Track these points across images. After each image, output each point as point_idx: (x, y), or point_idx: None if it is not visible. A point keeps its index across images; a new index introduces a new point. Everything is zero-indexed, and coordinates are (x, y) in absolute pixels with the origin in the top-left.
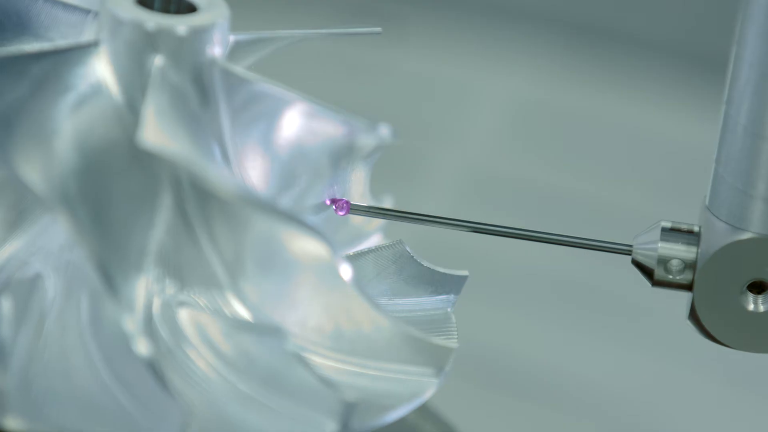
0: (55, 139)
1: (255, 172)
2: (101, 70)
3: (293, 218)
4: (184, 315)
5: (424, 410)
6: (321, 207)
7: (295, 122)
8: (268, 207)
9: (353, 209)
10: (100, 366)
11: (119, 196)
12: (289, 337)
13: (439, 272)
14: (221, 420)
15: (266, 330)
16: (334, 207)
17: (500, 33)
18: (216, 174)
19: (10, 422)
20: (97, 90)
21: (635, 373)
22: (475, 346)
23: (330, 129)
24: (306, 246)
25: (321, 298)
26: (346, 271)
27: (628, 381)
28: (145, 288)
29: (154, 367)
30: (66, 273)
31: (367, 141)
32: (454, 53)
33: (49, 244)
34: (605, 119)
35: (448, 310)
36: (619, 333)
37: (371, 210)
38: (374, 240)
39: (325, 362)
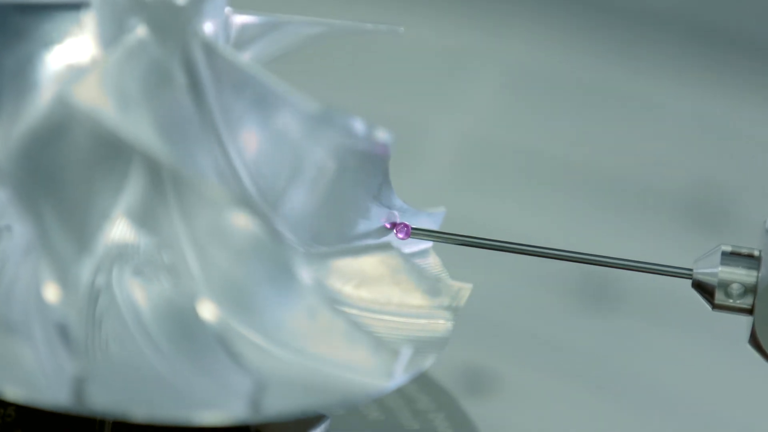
0: (26, 95)
1: (254, 159)
2: (86, 33)
3: (225, 193)
4: (134, 284)
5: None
6: (381, 231)
7: (288, 114)
8: (204, 183)
9: (414, 233)
10: (36, 322)
11: (85, 160)
12: (213, 314)
13: (438, 283)
14: (123, 392)
15: (191, 304)
16: (394, 230)
17: None
18: (150, 143)
19: None
20: (80, 52)
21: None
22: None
23: (325, 131)
24: (241, 223)
25: (269, 282)
26: (303, 272)
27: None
28: (101, 253)
29: (64, 332)
30: None
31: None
32: (452, 17)
33: None
34: (608, 86)
35: (447, 322)
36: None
37: (434, 234)
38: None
39: (266, 346)
